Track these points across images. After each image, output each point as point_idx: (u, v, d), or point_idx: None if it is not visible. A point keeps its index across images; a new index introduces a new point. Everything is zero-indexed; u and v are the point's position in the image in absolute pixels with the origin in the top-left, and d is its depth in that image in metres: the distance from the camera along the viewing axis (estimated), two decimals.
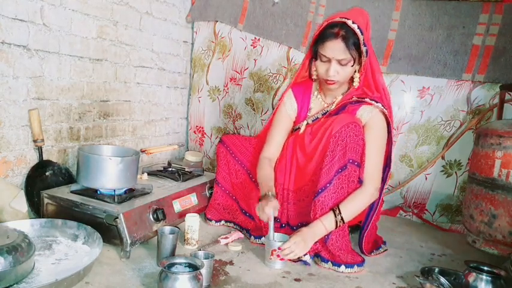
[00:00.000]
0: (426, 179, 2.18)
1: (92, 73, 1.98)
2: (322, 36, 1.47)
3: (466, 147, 2.07)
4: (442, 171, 2.15)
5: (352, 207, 1.47)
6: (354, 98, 1.56)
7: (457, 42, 2.09)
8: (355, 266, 1.45)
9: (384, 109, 1.51)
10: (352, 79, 1.56)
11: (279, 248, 1.40)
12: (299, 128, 1.67)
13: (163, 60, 2.54)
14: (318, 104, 1.67)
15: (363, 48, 1.46)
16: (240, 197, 1.83)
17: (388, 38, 2.22)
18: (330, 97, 1.64)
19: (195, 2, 2.70)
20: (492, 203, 1.66)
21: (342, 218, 1.44)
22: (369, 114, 1.52)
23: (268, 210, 1.45)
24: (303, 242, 1.41)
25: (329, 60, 1.47)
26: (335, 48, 1.44)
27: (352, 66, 1.49)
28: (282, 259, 1.42)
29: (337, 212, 1.44)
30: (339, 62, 1.46)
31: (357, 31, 1.43)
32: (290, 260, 1.47)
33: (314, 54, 1.53)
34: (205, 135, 2.83)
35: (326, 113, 1.62)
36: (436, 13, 2.12)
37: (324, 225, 1.44)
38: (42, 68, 1.72)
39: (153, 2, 2.37)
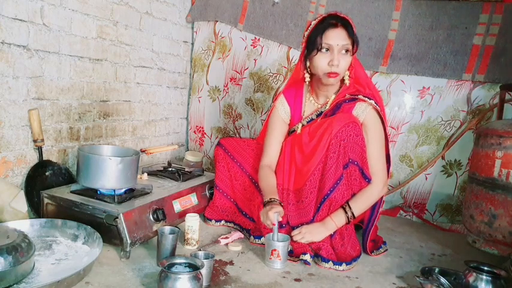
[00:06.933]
0: (426, 179, 2.18)
1: (92, 73, 1.98)
2: (321, 28, 1.50)
3: (466, 147, 2.07)
4: (442, 171, 2.15)
5: (362, 203, 1.55)
6: (348, 96, 1.57)
7: (457, 42, 2.09)
8: (353, 262, 1.48)
9: (377, 106, 1.54)
10: (342, 78, 1.58)
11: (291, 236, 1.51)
12: (295, 130, 1.68)
13: (163, 60, 2.54)
14: (310, 105, 1.68)
15: (355, 38, 1.52)
16: (240, 200, 1.83)
17: (388, 38, 2.22)
18: (323, 97, 1.65)
19: (195, 2, 2.70)
20: (492, 203, 1.66)
21: (352, 214, 1.52)
22: (364, 112, 1.54)
23: (272, 215, 1.47)
24: (313, 231, 1.51)
25: (330, 50, 1.49)
26: (337, 36, 1.48)
27: (351, 56, 1.53)
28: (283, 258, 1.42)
29: (348, 208, 1.52)
30: (340, 50, 1.49)
31: (349, 19, 1.50)
32: (290, 260, 1.48)
33: (313, 47, 1.51)
34: (205, 135, 2.83)
35: (321, 113, 1.64)
36: (436, 13, 2.12)
37: (334, 221, 1.51)
38: (42, 68, 1.72)
39: (153, 2, 2.37)
